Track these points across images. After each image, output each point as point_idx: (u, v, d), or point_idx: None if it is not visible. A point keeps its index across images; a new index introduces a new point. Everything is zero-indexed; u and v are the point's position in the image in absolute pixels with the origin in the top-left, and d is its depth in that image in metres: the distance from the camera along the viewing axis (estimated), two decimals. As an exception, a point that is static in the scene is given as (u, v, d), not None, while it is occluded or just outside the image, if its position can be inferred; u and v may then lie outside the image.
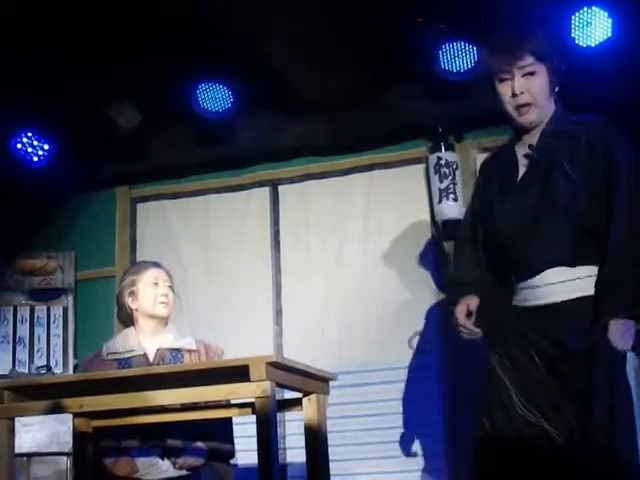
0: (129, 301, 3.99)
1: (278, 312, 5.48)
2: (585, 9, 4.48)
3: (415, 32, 4.55)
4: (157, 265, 4.12)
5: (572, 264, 3.15)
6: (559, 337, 3.10)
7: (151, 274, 4.02)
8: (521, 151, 3.36)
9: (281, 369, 3.07)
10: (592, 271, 3.13)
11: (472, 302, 3.37)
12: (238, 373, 2.96)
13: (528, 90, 3.24)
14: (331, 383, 3.53)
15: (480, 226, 3.47)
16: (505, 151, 3.47)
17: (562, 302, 3.14)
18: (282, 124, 5.39)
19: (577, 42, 4.52)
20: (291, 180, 5.67)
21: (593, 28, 4.49)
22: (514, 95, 3.25)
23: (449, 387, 4.99)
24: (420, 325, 5.16)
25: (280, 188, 5.69)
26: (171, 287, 4.04)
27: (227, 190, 5.78)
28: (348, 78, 4.99)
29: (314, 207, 5.57)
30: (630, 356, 3.19)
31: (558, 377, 3.09)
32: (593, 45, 4.52)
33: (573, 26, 4.51)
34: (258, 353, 3.06)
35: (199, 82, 5.15)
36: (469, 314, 3.35)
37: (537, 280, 3.20)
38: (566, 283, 3.14)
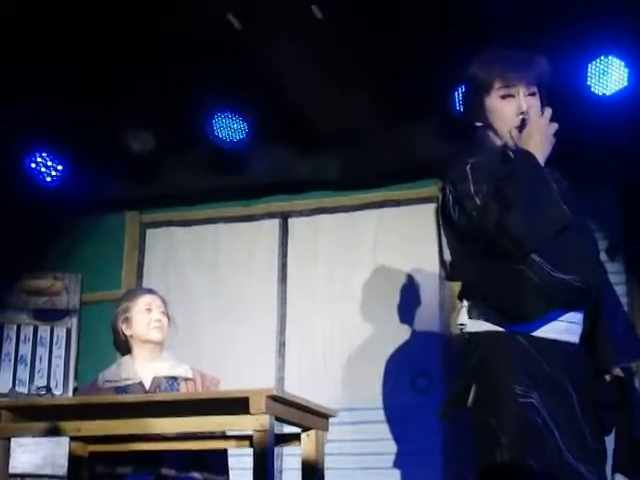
0: (123, 327, 4.00)
1: (281, 345, 5.47)
2: (602, 58, 4.50)
3: (431, 72, 4.57)
4: (151, 291, 4.14)
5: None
6: (593, 392, 3.01)
7: (144, 300, 4.03)
8: None
9: (281, 403, 3.06)
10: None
11: None
12: (238, 404, 2.94)
13: (529, 110, 3.06)
14: (331, 419, 3.51)
15: None
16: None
17: (578, 343, 3.03)
18: (295, 157, 5.41)
19: (593, 90, 4.53)
20: (301, 213, 5.67)
21: (609, 77, 4.51)
22: (521, 113, 3.08)
23: (450, 429, 4.96)
24: (423, 364, 5.13)
25: (290, 220, 5.69)
26: (165, 313, 4.04)
27: (237, 220, 5.79)
28: (363, 114, 5.01)
29: (323, 241, 5.57)
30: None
31: (595, 424, 2.99)
32: (609, 94, 4.53)
33: (589, 74, 4.52)
34: (259, 385, 3.05)
35: (215, 111, 5.18)
36: None
37: (566, 315, 3.03)
38: (573, 324, 3.04)
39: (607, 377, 3.04)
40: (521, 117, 3.06)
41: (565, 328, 3.01)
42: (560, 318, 3.01)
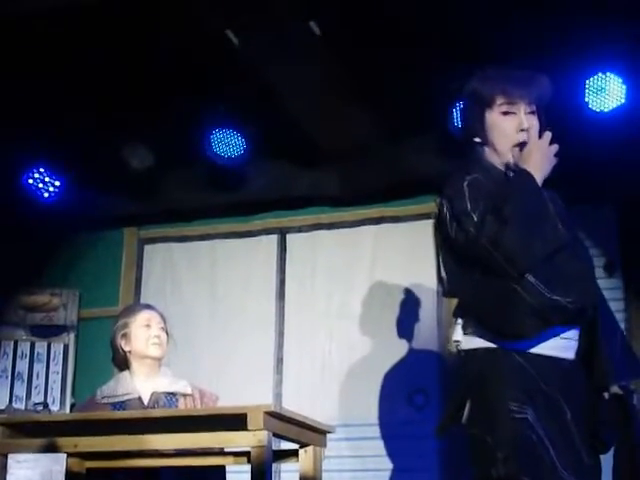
0: (122, 344, 3.99)
1: (279, 361, 5.46)
2: (600, 75, 4.51)
3: (430, 88, 4.58)
4: (149, 307, 4.13)
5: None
6: (591, 409, 3.00)
7: (143, 316, 4.03)
8: None
9: (279, 419, 3.05)
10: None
11: None
12: (235, 421, 2.93)
13: (529, 129, 3.07)
14: (328, 435, 3.50)
15: None
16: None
17: (574, 358, 3.02)
18: (293, 173, 5.42)
19: (590, 107, 4.54)
20: (299, 229, 5.67)
21: (607, 94, 4.52)
22: (522, 130, 3.07)
23: (447, 445, 4.95)
24: (420, 381, 5.13)
25: (288, 237, 5.69)
26: (164, 329, 4.04)
27: (235, 236, 5.79)
28: (361, 130, 5.02)
29: (321, 257, 5.57)
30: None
31: (591, 445, 2.98)
32: (606, 111, 4.54)
33: (587, 91, 4.53)
34: (257, 401, 3.05)
35: (213, 127, 5.19)
36: None
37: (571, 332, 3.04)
38: (569, 340, 3.02)
39: (606, 395, 3.02)
40: (522, 134, 3.06)
41: (560, 345, 3.01)
42: (555, 335, 3.00)
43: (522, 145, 3.06)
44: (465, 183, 3.08)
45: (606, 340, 3.03)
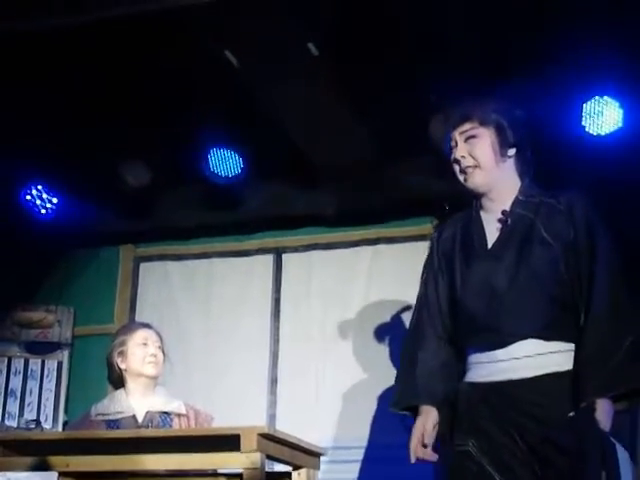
0: (118, 361, 3.98)
1: (273, 381, 5.44)
2: (597, 98, 4.52)
3: (427, 108, 4.59)
4: (147, 326, 4.13)
5: (547, 338, 3.01)
6: (543, 429, 2.95)
7: (140, 334, 4.03)
8: (489, 218, 3.22)
9: (272, 441, 3.04)
10: (565, 347, 3.01)
11: (430, 419, 3.20)
12: (228, 442, 2.92)
13: (470, 153, 3.18)
14: (322, 458, 3.49)
15: (443, 299, 3.30)
16: (465, 220, 3.32)
17: (535, 377, 2.99)
18: (290, 193, 5.42)
19: (587, 130, 4.55)
20: (296, 249, 5.67)
21: (604, 117, 4.52)
22: (456, 161, 3.21)
23: (441, 469, 4.91)
24: (415, 403, 5.10)
25: (284, 256, 5.69)
26: (161, 348, 4.03)
27: (231, 255, 5.78)
28: (358, 150, 5.02)
29: (317, 277, 5.56)
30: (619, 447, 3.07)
31: (545, 464, 2.95)
32: (603, 134, 4.55)
33: (584, 114, 4.54)
34: (250, 422, 3.03)
35: (211, 146, 5.19)
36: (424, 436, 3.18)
37: (506, 353, 3.02)
38: (538, 357, 3.00)
39: (571, 413, 2.94)
40: (461, 162, 3.21)
41: (504, 367, 3.03)
42: (497, 359, 3.05)
43: (467, 170, 3.20)
44: (434, 239, 3.44)
45: (593, 352, 2.96)
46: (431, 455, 3.19)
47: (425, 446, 3.19)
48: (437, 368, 3.24)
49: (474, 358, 3.15)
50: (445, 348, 3.27)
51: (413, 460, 3.21)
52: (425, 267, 3.43)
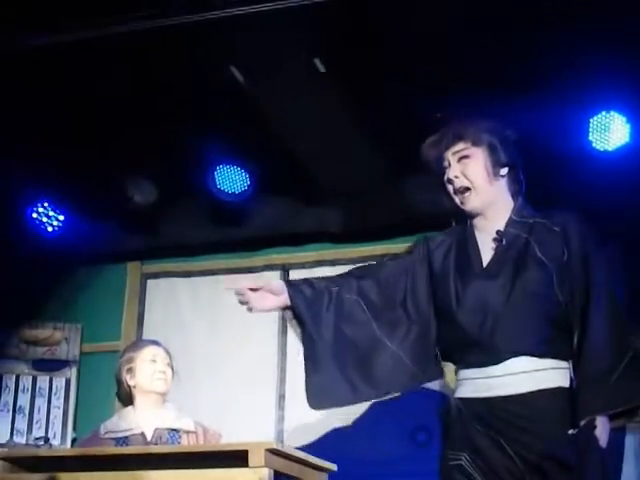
0: (127, 378, 3.98)
1: (281, 397, 5.43)
2: (603, 113, 4.52)
3: (433, 126, 4.59)
4: (156, 343, 4.13)
5: (541, 355, 3.00)
6: (539, 445, 2.93)
7: (149, 351, 4.03)
8: (483, 237, 3.22)
9: (281, 457, 3.03)
10: (559, 364, 3.00)
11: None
12: (236, 457, 2.92)
13: (463, 173, 3.18)
14: (330, 473, 3.48)
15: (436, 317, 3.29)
16: (459, 236, 3.33)
17: (528, 393, 2.97)
18: (297, 209, 5.43)
19: (594, 145, 4.55)
20: (302, 265, 5.66)
21: (611, 132, 4.53)
22: (449, 181, 3.21)
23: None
24: (423, 418, 5.09)
25: (291, 272, 5.68)
26: (169, 365, 4.03)
27: (238, 271, 5.77)
28: (365, 167, 5.03)
29: (324, 294, 5.54)
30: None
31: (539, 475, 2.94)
32: (610, 149, 4.55)
33: (591, 129, 4.55)
34: (258, 438, 3.03)
35: (217, 163, 5.20)
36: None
37: (500, 369, 3.01)
38: (531, 373, 2.99)
39: (570, 431, 2.93)
40: (454, 182, 3.21)
41: (498, 383, 3.02)
42: (490, 375, 3.04)
43: (462, 192, 3.21)
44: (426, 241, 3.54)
45: (592, 369, 2.95)
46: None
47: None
48: None
49: (466, 374, 3.14)
50: None
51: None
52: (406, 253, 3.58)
